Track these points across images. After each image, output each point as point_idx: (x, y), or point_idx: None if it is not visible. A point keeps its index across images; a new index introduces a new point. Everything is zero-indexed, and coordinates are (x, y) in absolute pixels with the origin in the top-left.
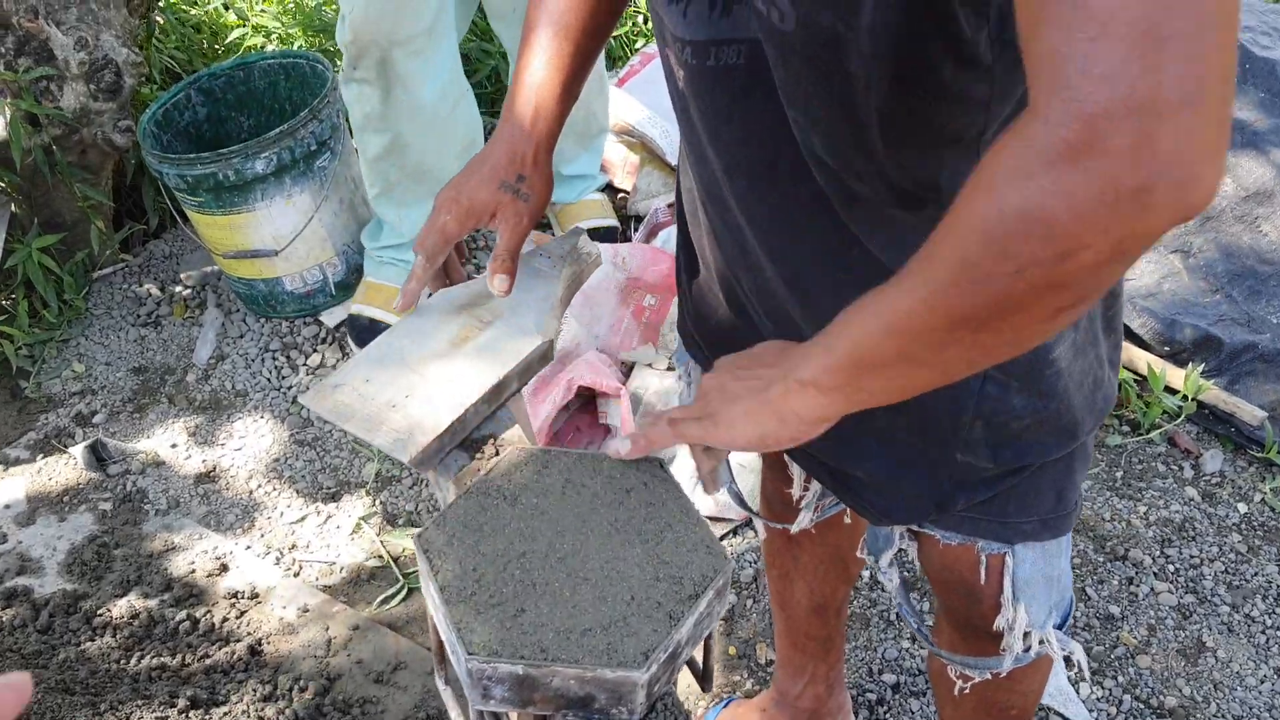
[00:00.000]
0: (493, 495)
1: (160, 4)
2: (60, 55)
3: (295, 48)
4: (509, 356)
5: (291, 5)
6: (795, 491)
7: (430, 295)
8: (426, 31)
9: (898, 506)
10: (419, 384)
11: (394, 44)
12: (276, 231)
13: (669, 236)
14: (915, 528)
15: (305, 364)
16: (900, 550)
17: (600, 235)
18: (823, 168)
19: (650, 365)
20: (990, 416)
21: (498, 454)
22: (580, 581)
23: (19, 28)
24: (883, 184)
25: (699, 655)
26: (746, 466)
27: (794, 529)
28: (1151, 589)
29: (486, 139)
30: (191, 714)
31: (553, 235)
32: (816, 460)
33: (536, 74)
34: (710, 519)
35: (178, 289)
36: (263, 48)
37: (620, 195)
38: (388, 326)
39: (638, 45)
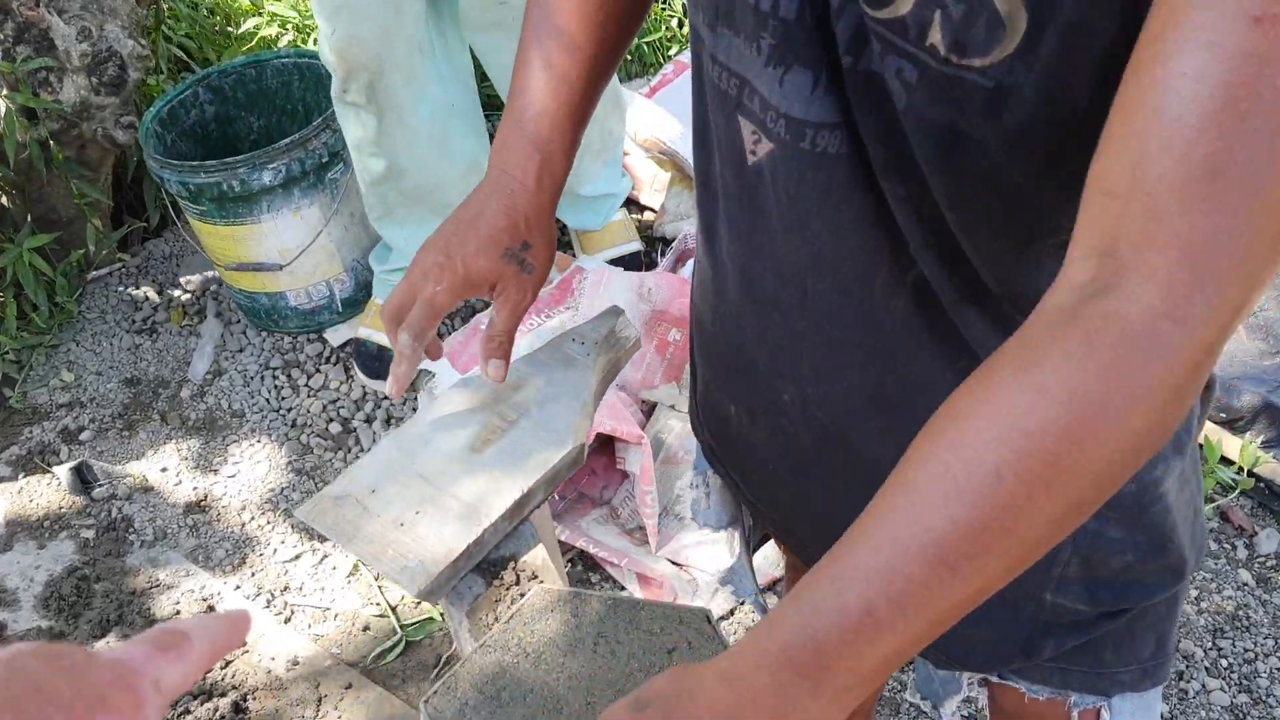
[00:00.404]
0: (512, 651)
1: None
2: (61, 45)
3: (312, 42)
4: (535, 464)
5: None
6: None
7: (432, 393)
8: (417, 50)
9: (972, 653)
10: (432, 497)
11: (383, 68)
12: (282, 245)
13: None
14: (994, 678)
15: (307, 384)
16: (967, 699)
17: (624, 261)
18: (953, 272)
19: (673, 407)
20: (1089, 554)
21: (518, 580)
22: None
23: (19, 14)
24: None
25: None
26: (770, 559)
27: None
28: (1203, 685)
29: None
30: None
31: (573, 257)
32: None
33: (536, 104)
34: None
35: (176, 293)
36: (278, 39)
37: (646, 213)
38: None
39: (671, 52)
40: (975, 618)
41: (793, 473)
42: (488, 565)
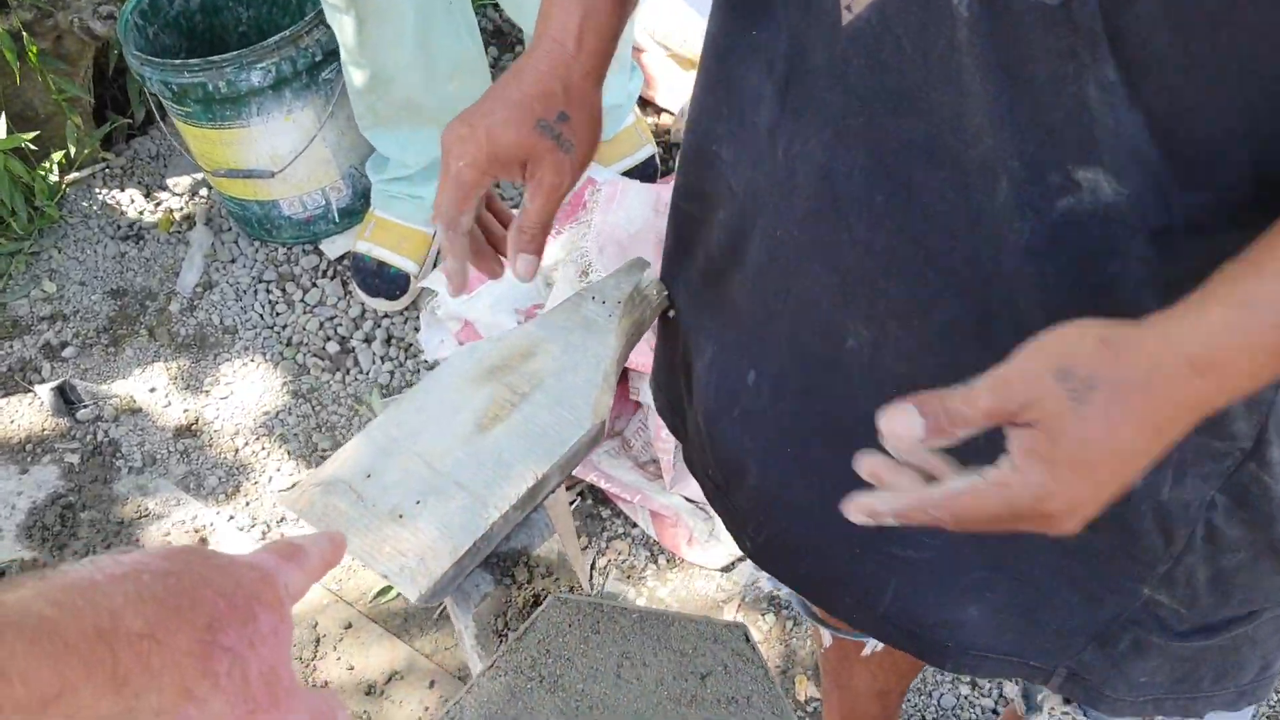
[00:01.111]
0: (525, 674)
1: None
2: None
3: None
4: (551, 444)
5: None
6: None
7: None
8: None
9: (1033, 639)
10: (434, 484)
11: None
12: (274, 150)
13: None
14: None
15: (303, 300)
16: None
17: (639, 169)
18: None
19: None
20: (1201, 546)
21: (530, 578)
22: None
23: None
24: None
25: None
26: None
27: (868, 650)
28: None
29: (493, 76)
30: None
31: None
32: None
33: None
34: None
35: (164, 197)
36: None
37: (662, 115)
38: (397, 271)
39: None
40: (1045, 602)
41: (805, 465)
42: (497, 560)
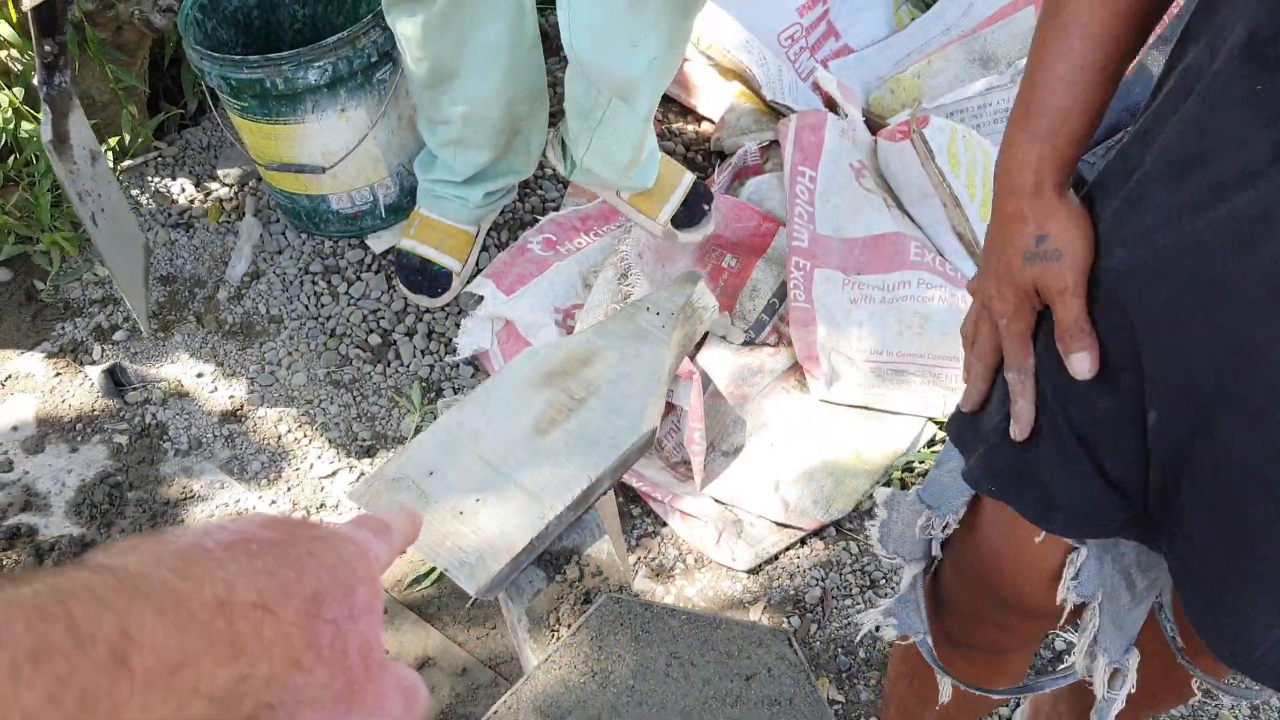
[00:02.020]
0: (578, 670)
1: None
2: None
3: None
4: (605, 449)
5: None
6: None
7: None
8: None
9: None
10: (493, 483)
11: None
12: (326, 147)
13: (757, 185)
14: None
15: (347, 292)
16: None
17: (693, 201)
18: None
19: (724, 338)
20: None
21: (581, 576)
22: None
23: None
24: None
25: None
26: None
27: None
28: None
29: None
30: None
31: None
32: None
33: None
34: (774, 524)
35: (214, 187)
36: None
37: (703, 124)
38: (440, 269)
39: None
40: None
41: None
42: (549, 558)
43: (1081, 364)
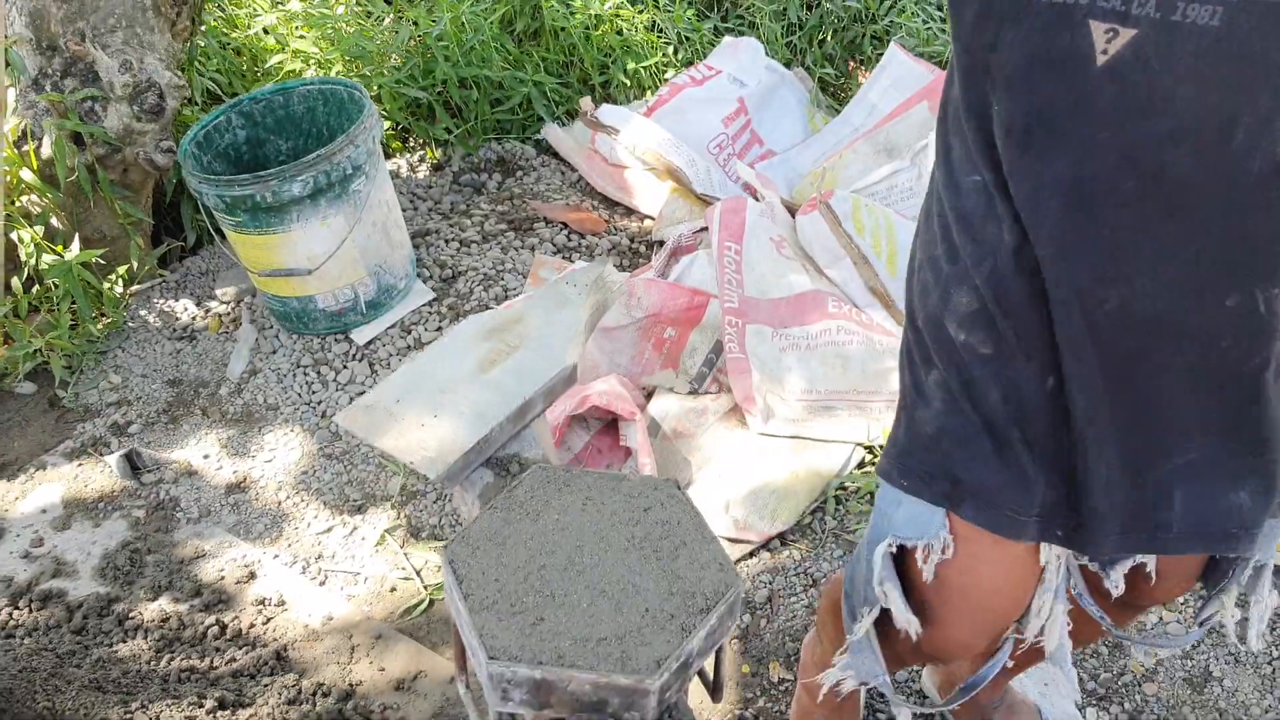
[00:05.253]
0: (516, 511)
1: (203, 28)
2: (105, 77)
3: (334, 74)
4: (535, 379)
5: (331, 32)
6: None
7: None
8: None
9: None
10: (448, 404)
11: None
12: (311, 251)
13: (691, 260)
14: None
15: (335, 379)
16: None
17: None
18: None
19: (671, 390)
20: None
21: (521, 473)
22: (598, 594)
23: (66, 50)
24: None
25: (710, 668)
26: (772, 491)
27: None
28: (1160, 618)
29: None
30: (219, 715)
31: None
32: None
33: None
34: (728, 540)
35: (213, 305)
36: (301, 73)
37: (646, 220)
38: None
39: (667, 75)
40: None
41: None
42: (496, 461)
43: None
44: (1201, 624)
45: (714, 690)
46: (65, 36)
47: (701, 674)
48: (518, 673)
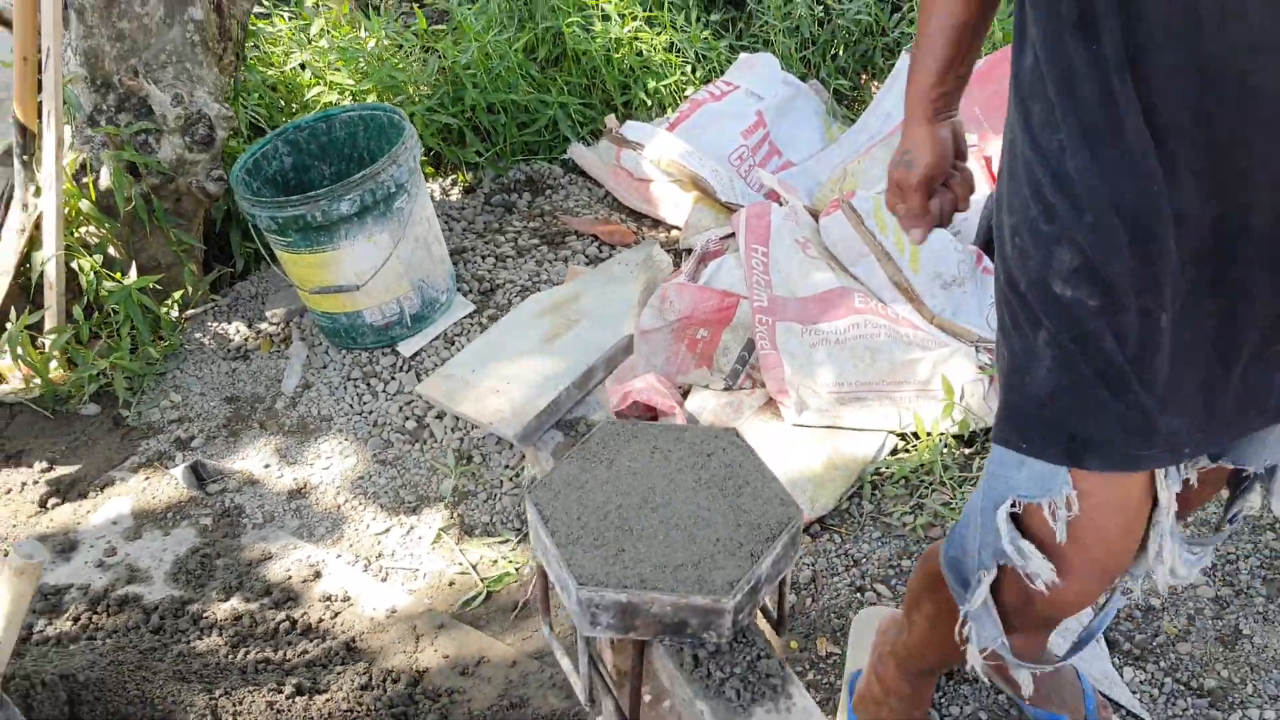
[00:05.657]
0: (590, 460)
1: (244, 63)
2: (158, 111)
3: (369, 99)
4: (595, 348)
5: (363, 65)
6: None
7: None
8: None
9: None
10: (518, 373)
11: None
12: (358, 268)
13: (719, 264)
14: None
15: (384, 390)
16: None
17: None
18: None
19: (707, 386)
20: None
21: (588, 434)
22: (672, 528)
23: (120, 86)
24: None
25: (772, 605)
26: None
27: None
28: (1190, 583)
29: None
30: (297, 700)
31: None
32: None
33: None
34: None
35: (264, 326)
36: (338, 103)
37: (673, 231)
38: None
39: (686, 93)
40: None
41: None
42: (564, 423)
43: (916, 236)
44: (1231, 521)
45: (777, 624)
46: (119, 73)
47: (764, 610)
48: (605, 596)
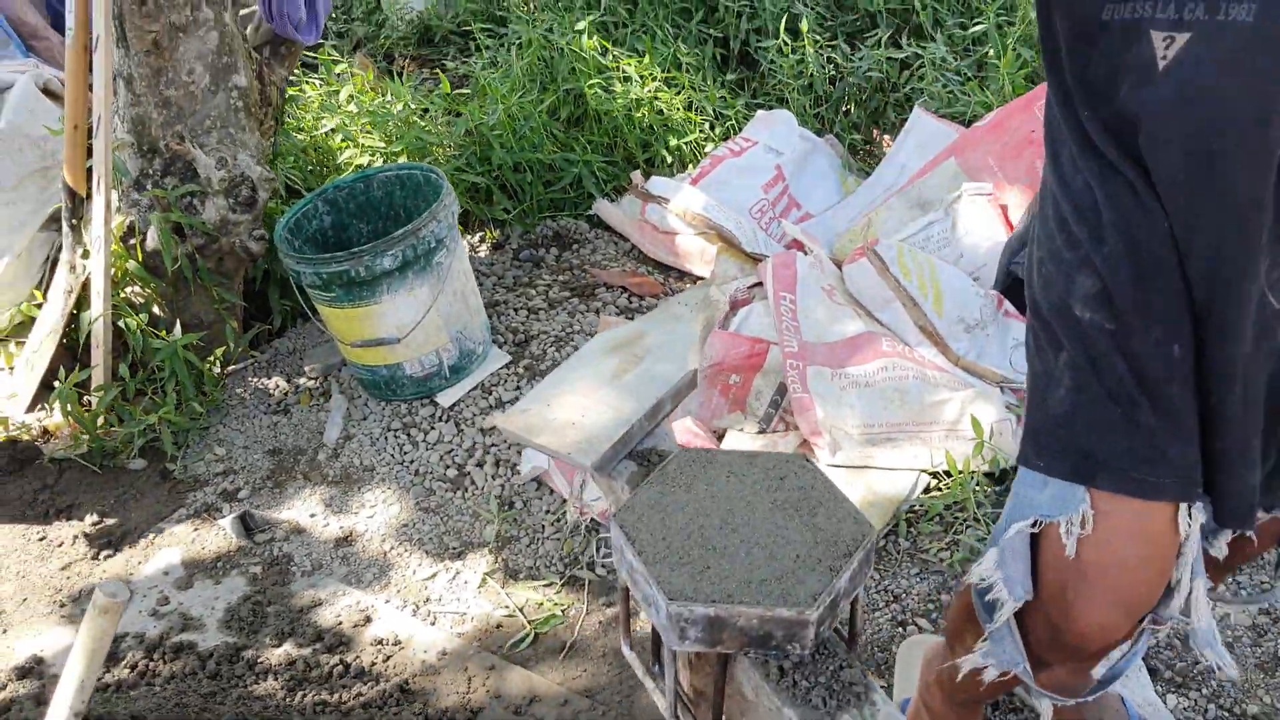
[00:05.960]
0: (669, 484)
1: (282, 128)
2: (203, 173)
3: (398, 159)
4: (662, 383)
5: (393, 128)
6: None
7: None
8: None
9: None
10: (591, 406)
11: None
12: (400, 320)
13: (749, 311)
14: None
15: (425, 440)
16: None
17: None
18: None
19: (741, 429)
20: None
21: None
22: (753, 546)
23: (166, 150)
24: None
25: (844, 623)
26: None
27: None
28: (1227, 612)
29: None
30: None
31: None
32: None
33: None
34: None
35: (303, 380)
36: (369, 165)
37: (699, 282)
38: None
39: (706, 149)
40: None
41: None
42: (637, 454)
43: None
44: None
45: (850, 640)
46: (165, 139)
47: (837, 629)
48: (694, 611)
